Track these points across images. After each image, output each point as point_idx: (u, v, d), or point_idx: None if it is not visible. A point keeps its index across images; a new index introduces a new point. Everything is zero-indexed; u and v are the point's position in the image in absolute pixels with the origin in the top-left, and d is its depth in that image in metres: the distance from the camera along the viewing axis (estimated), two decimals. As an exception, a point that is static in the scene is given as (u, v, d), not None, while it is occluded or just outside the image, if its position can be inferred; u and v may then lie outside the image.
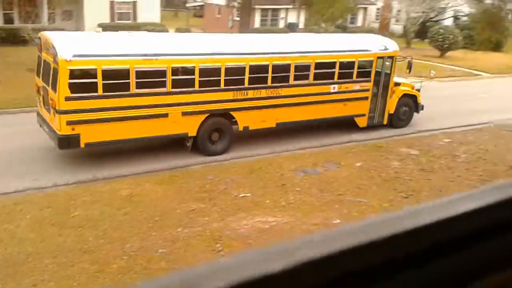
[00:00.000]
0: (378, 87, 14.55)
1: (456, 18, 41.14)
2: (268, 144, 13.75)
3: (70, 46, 10.55)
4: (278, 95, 12.90)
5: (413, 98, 15.48)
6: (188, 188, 10.56)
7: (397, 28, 42.09)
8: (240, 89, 12.29)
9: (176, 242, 8.23)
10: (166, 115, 11.47)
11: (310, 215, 9.66)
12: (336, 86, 13.76)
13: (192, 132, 12.02)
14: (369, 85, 14.36)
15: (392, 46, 14.75)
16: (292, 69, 12.87)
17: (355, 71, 13.87)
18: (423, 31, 37.03)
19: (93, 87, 10.55)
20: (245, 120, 12.71)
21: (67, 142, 10.75)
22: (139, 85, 11.00)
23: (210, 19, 41.79)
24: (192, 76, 11.59)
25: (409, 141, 14.52)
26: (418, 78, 16.91)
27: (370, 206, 10.13)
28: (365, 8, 42.45)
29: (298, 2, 32.51)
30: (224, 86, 12.01)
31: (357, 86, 14.19)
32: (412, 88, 15.60)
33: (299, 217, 9.55)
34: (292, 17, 38.66)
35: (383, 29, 42.74)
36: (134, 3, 33.36)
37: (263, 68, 12.45)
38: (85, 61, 10.45)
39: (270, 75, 12.57)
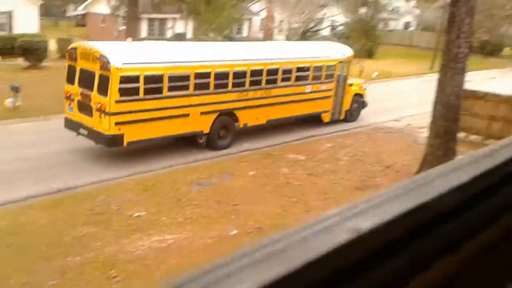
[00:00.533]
0: (338, 88, 16.97)
1: (333, 27, 44.20)
2: (162, 158, 13.62)
3: (119, 55, 12.11)
4: (269, 95, 15.00)
5: (361, 96, 18.23)
6: (77, 212, 10.05)
7: (280, 38, 44.02)
8: (243, 91, 14.30)
9: (66, 273, 7.79)
10: (188, 115, 13.25)
11: (208, 228, 9.76)
12: (310, 86, 16.18)
13: (206, 130, 13.81)
14: (333, 85, 16.85)
15: (348, 52, 17.55)
16: (280, 72, 15.07)
17: (323, 74, 16.42)
18: (303, 40, 39.25)
19: (136, 91, 12.15)
20: (244, 118, 14.74)
21: (114, 141, 12.29)
22: (170, 89, 12.68)
23: (94, 28, 40.17)
24: (208, 80, 13.41)
25: (296, 148, 15.30)
26: (359, 79, 18.93)
27: (264, 213, 10.51)
28: (250, 19, 43.81)
29: (186, 12, 32.51)
30: (231, 88, 13.98)
31: (324, 87, 16.62)
32: (361, 88, 18.23)
33: (197, 231, 9.59)
34: (180, 27, 38.55)
35: (267, 39, 44.47)
36: (10, 13, 30.90)
37: (259, 72, 14.51)
38: (132, 68, 12.03)
39: (264, 78, 14.70)
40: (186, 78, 12.98)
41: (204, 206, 10.84)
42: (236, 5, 36.70)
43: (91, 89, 12.25)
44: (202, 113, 13.50)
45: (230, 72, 13.80)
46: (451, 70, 12.15)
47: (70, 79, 13.11)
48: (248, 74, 14.21)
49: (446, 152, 12.50)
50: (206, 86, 13.43)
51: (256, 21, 45.80)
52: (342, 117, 17.55)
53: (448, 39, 12.17)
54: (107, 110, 11.86)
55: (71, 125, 13.18)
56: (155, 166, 13.09)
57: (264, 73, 14.63)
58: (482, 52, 42.00)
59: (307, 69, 15.90)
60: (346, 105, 17.51)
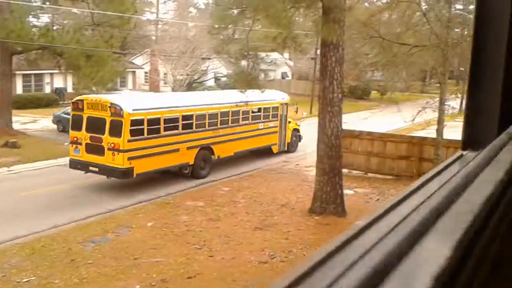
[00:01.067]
0: (281, 125, 20.73)
1: (217, 78, 45.69)
2: (48, 217, 12.71)
3: (128, 104, 14.80)
4: (234, 131, 18.19)
5: (298, 131, 22.16)
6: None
7: (167, 89, 44.24)
8: (216, 129, 17.51)
9: None
10: (178, 150, 15.97)
11: (108, 286, 9.18)
12: (262, 124, 19.83)
13: (191, 161, 16.53)
14: (277, 123, 20.63)
15: (286, 97, 21.85)
16: (241, 113, 18.40)
17: (271, 114, 20.22)
18: (189, 91, 39.93)
19: (141, 131, 14.88)
20: (218, 151, 17.64)
21: (127, 174, 14.73)
22: (165, 129, 15.51)
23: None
24: (191, 121, 16.52)
25: (193, 194, 15.26)
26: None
27: (167, 264, 10.20)
28: (134, 72, 43.53)
29: (64, 67, 31.28)
30: (208, 127, 17.18)
31: (271, 124, 20.32)
32: (296, 124, 22.21)
33: (96, 291, 8.98)
34: (58, 82, 36.90)
35: (154, 91, 44.43)
36: None
37: (227, 113, 17.85)
38: (139, 113, 14.77)
39: (230, 118, 18.02)
40: (176, 120, 16.05)
41: (101, 264, 10.21)
42: (118, 59, 36.32)
43: (102, 132, 14.78)
44: (188, 148, 16.33)
45: (206, 115, 17.12)
46: (328, 113, 13.25)
47: (75, 127, 15.61)
48: (219, 116, 17.60)
49: (333, 187, 13.41)
50: (190, 126, 16.57)
51: (141, 74, 45.65)
52: (286, 148, 21.14)
53: (323, 86, 13.31)
54: (120, 148, 14.48)
55: (78, 165, 15.58)
56: (40, 227, 12.13)
57: (230, 114, 18.03)
58: (353, 96, 46.36)
59: (259, 110, 19.59)
60: (288, 139, 21.30)
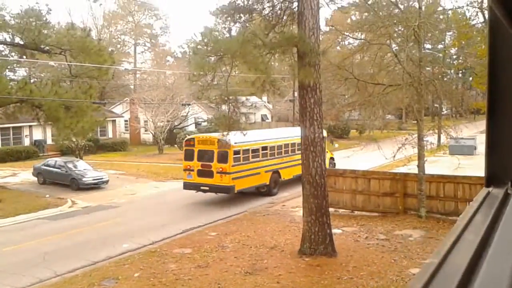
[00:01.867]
0: (324, 154, 24.20)
1: (197, 123, 45.99)
2: (32, 272, 12.34)
3: (232, 139, 17.84)
4: (292, 159, 22.12)
5: (333, 159, 27.29)
6: None
7: (147, 136, 44.26)
8: (281, 157, 22.49)
9: None
10: (259, 173, 21.03)
11: None
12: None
13: (267, 182, 21.53)
14: None
15: (325, 132, 23.78)
16: (296, 145, 21.22)
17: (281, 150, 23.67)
18: (171, 137, 39.97)
19: (238, 159, 19.95)
20: (283, 174, 22.46)
21: (231, 190, 19.78)
22: (252, 157, 20.64)
23: None
24: (266, 151, 21.64)
25: (180, 241, 15.04)
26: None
27: (157, 315, 9.92)
28: (114, 121, 43.55)
29: (43, 119, 31.14)
30: (276, 155, 22.21)
31: None
32: (332, 153, 27.30)
33: None
34: (37, 134, 36.60)
35: (135, 139, 44.36)
36: None
37: (287, 145, 22.71)
38: (237, 145, 19.46)
39: (289, 148, 22.82)
40: (257, 150, 21.11)
41: (88, 319, 9.87)
42: (97, 109, 36.36)
43: (211, 161, 19.90)
44: (265, 171, 21.33)
45: (275, 146, 22.17)
46: (311, 153, 13.43)
47: (188, 158, 20.62)
48: (282, 147, 22.50)
49: (322, 227, 13.40)
50: (266, 155, 21.57)
51: (121, 122, 45.66)
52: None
53: (303, 127, 13.55)
54: (227, 171, 19.58)
55: (191, 186, 20.40)
56: (24, 283, 11.77)
57: (289, 146, 22.67)
58: (333, 135, 47.07)
59: (279, 145, 23.19)
60: (327, 165, 22.99)
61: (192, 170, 20.22)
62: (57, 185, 24.75)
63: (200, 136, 21.32)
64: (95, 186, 24.36)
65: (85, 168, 25.66)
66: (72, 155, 32.74)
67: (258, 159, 21.06)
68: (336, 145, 29.18)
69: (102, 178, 24.86)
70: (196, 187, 19.99)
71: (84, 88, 28.79)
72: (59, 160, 26.55)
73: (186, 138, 22.30)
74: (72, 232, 16.53)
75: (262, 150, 21.41)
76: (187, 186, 20.43)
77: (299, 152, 20.77)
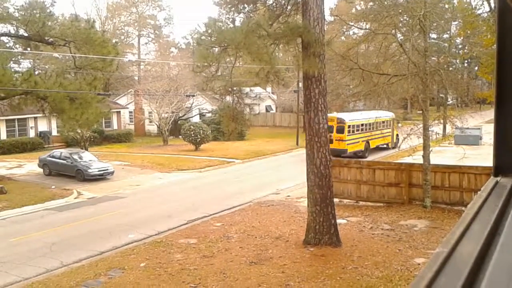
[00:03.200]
0: (392, 130, 31.83)
1: (202, 115, 45.98)
2: (38, 263, 12.47)
3: (346, 117, 28.88)
4: (376, 133, 30.48)
5: (397, 136, 29.97)
6: None
7: (152, 128, 44.32)
8: (370, 131, 29.96)
9: None
10: (359, 141, 29.11)
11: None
12: (385, 130, 31.94)
13: (362, 148, 29.40)
14: (390, 130, 32.07)
15: (393, 114, 31.28)
16: (379, 124, 30.35)
17: (387, 124, 31.74)
18: (176, 128, 39.99)
19: (349, 131, 28.45)
20: (371, 144, 30.17)
21: (346, 152, 27.36)
22: (355, 131, 29.16)
23: None
24: (364, 126, 29.90)
25: (185, 232, 15.12)
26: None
27: (163, 304, 10.01)
28: (119, 112, 43.62)
29: (48, 110, 31.24)
30: (367, 130, 29.91)
31: (387, 130, 32.11)
32: (397, 131, 30.93)
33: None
34: (42, 125, 36.75)
35: (139, 130, 44.43)
36: None
37: (373, 124, 29.87)
38: (349, 122, 28.68)
39: (375, 126, 30.26)
40: (358, 126, 29.48)
41: (95, 308, 9.98)
42: (102, 100, 36.46)
43: (331, 132, 25.52)
44: (362, 141, 29.36)
45: (367, 123, 29.95)
46: (316, 143, 13.40)
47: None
48: (371, 125, 29.91)
49: (326, 217, 13.42)
50: (363, 128, 29.78)
51: (125, 113, 45.73)
52: (393, 145, 30.64)
53: (308, 118, 13.52)
54: (344, 139, 28.01)
55: None
56: (31, 273, 11.90)
57: (375, 124, 29.71)
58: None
59: (384, 122, 31.07)
60: (394, 139, 31.09)
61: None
62: (63, 176, 24.89)
63: (332, 116, 28.49)
64: (101, 177, 24.47)
65: (91, 159, 25.76)
66: (77, 147, 32.87)
67: (358, 132, 29.40)
68: (400, 125, 33.31)
69: (107, 169, 24.97)
70: None
71: (88, 80, 28.82)
72: (65, 152, 26.66)
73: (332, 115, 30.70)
74: (78, 222, 16.65)
75: (361, 126, 29.69)
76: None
77: (381, 128, 31.41)
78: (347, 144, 28.12)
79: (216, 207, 18.07)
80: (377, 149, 31.09)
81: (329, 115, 26.03)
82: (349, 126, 28.56)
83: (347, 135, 28.28)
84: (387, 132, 32.16)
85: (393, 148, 30.01)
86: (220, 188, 21.88)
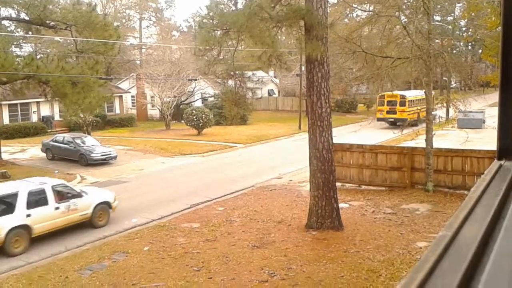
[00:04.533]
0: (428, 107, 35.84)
1: (204, 99, 45.87)
2: (43, 247, 12.60)
3: (407, 94, 35.65)
4: (417, 108, 36.03)
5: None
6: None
7: (154, 112, 44.28)
8: (420, 105, 33.09)
9: None
10: (413, 113, 35.97)
11: (108, 313, 9.06)
12: (419, 107, 35.07)
13: (415, 118, 35.43)
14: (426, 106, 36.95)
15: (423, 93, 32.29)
16: (418, 101, 35.22)
17: (422, 101, 31.94)
18: (178, 113, 39.96)
19: (409, 104, 35.87)
20: (421, 115, 32.41)
21: (406, 120, 32.46)
22: (410, 105, 36.11)
23: None
24: (413, 102, 36.44)
25: (188, 216, 15.21)
26: None
27: None
28: (121, 97, 43.55)
29: (50, 95, 31.20)
30: (415, 105, 36.40)
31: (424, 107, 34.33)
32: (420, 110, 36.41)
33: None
34: (45, 110, 36.76)
35: (141, 115, 44.41)
36: None
37: (414, 101, 36.22)
38: (408, 98, 35.88)
39: (416, 102, 36.15)
40: (415, 101, 35.73)
41: (100, 292, 10.10)
42: (104, 84, 36.41)
43: (395, 105, 35.07)
44: (415, 112, 35.73)
45: (417, 99, 35.20)
46: (318, 128, 13.36)
47: (380, 104, 35.44)
48: (421, 100, 32.25)
49: (328, 201, 13.46)
50: (416, 103, 35.62)
51: (128, 98, 45.66)
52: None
53: (311, 102, 13.44)
54: (405, 111, 34.94)
55: (381, 120, 34.72)
56: (35, 257, 12.02)
57: (422, 99, 29.79)
58: (340, 110, 46.82)
59: (421, 99, 32.49)
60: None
61: (383, 111, 35.17)
62: (66, 161, 24.98)
63: (387, 93, 32.26)
64: (104, 161, 24.55)
65: (93, 143, 25.81)
66: (80, 131, 32.92)
67: (414, 106, 35.64)
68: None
69: (110, 154, 25.03)
70: (384, 119, 34.90)
71: (90, 64, 28.71)
72: (67, 136, 26.71)
73: (380, 95, 33.68)
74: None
75: (416, 101, 35.65)
76: (379, 119, 34.26)
77: (419, 105, 35.51)
78: (408, 114, 34.88)
79: (219, 191, 18.14)
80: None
81: (392, 92, 32.09)
82: (409, 101, 35.70)
83: (407, 108, 35.50)
84: (421, 109, 41.36)
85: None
86: (222, 172, 21.92)
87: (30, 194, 12.77)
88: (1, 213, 12.27)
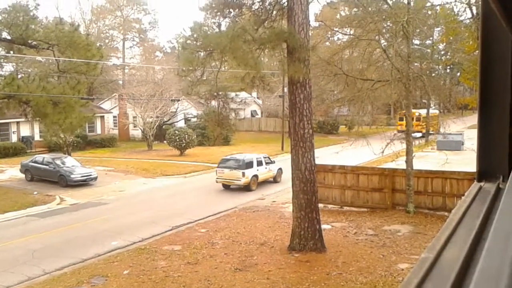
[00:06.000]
0: (439, 121, 35.95)
1: (187, 119, 45.80)
2: (20, 271, 12.26)
3: (421, 112, 38.30)
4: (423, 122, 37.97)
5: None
6: None
7: (136, 132, 43.99)
8: (419, 121, 36.52)
9: None
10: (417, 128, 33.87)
11: None
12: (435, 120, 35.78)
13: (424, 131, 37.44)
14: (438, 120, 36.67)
15: (437, 111, 38.02)
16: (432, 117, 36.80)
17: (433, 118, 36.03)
18: (160, 133, 39.77)
19: (422, 120, 38.97)
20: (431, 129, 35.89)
21: (421, 133, 37.47)
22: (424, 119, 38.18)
23: None
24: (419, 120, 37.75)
25: (170, 238, 15.00)
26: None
27: (147, 312, 9.90)
28: (102, 117, 43.21)
29: (31, 115, 30.80)
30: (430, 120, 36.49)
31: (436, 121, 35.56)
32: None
33: None
34: (25, 130, 36.23)
35: (123, 135, 44.08)
36: None
37: (432, 116, 37.25)
38: (422, 115, 38.81)
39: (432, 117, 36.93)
40: (420, 117, 38.48)
41: (78, 317, 9.82)
42: (86, 104, 36.14)
43: (412, 121, 29.87)
44: (420, 127, 36.19)
45: (423, 117, 37.91)
46: (301, 149, 13.43)
47: (400, 119, 37.15)
48: (431, 116, 36.11)
49: (311, 223, 13.44)
50: (420, 119, 37.63)
51: (109, 118, 45.33)
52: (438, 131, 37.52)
53: (293, 123, 13.54)
54: (419, 124, 36.51)
55: (401, 131, 27.18)
56: (13, 281, 11.69)
57: (432, 116, 35.58)
58: (322, 131, 47.16)
59: (435, 115, 35.72)
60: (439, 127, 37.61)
61: (402, 125, 34.32)
62: (45, 182, 24.53)
63: (403, 112, 36.95)
64: (84, 182, 24.18)
65: (73, 164, 25.45)
66: (60, 152, 32.46)
67: (423, 121, 38.40)
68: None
69: (90, 175, 24.68)
70: (403, 131, 35.87)
71: (72, 84, 28.51)
72: (47, 157, 26.29)
73: (399, 112, 35.52)
74: (60, 229, 16.41)
75: (424, 117, 38.11)
76: (400, 131, 32.57)
77: (432, 120, 37.23)
78: (421, 128, 38.97)
79: (201, 212, 17.99)
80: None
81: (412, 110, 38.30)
82: (422, 117, 40.33)
83: (421, 123, 39.94)
84: (436, 123, 48.10)
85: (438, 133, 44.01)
86: (205, 193, 21.78)
87: (257, 160, 23.14)
88: (247, 167, 22.36)
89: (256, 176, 22.64)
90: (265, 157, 24.35)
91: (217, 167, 23.27)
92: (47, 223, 17.34)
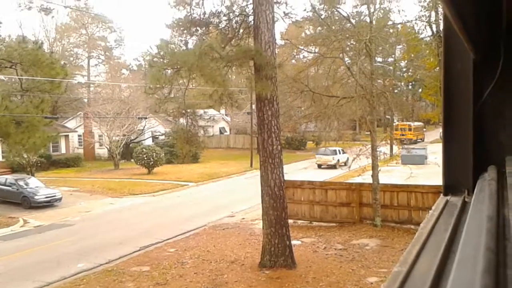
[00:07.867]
0: (423, 133, 57.84)
1: (154, 137, 45.33)
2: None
3: (412, 124, 52.24)
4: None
5: (423, 137, 57.97)
6: None
7: (102, 151, 43.18)
8: (419, 131, 54.02)
9: None
10: (415, 136, 53.02)
11: None
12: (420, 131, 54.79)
13: (416, 138, 52.56)
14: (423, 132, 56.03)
15: (421, 124, 56.20)
16: (414, 129, 52.24)
17: (419, 129, 54.19)
18: (127, 152, 39.18)
19: (412, 130, 53.02)
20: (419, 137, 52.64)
21: (412, 140, 51.50)
22: (415, 130, 53.11)
23: None
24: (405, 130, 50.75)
25: (138, 259, 14.71)
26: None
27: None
28: (67, 136, 42.26)
29: (-9, 135, 29.81)
30: (418, 130, 54.04)
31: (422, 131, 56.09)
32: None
33: None
34: (-15, 151, 34.98)
35: (89, 154, 43.16)
36: None
37: (419, 127, 54.28)
38: (413, 126, 52.27)
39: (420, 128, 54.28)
40: (416, 128, 53.16)
41: None
42: (50, 124, 35.32)
43: (405, 130, 49.65)
44: (416, 135, 52.89)
45: (417, 127, 52.94)
46: (270, 165, 13.52)
47: (395, 129, 43.17)
48: (419, 127, 54.09)
49: (281, 239, 13.48)
50: (411, 130, 51.32)
51: (74, 137, 44.38)
52: (422, 139, 52.21)
53: (262, 139, 13.64)
54: (411, 134, 51.22)
55: (398, 139, 33.94)
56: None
57: (419, 127, 52.16)
58: (290, 147, 47.55)
59: (420, 127, 52.20)
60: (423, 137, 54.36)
61: (398, 134, 40.12)
62: (8, 204, 23.70)
63: (400, 123, 45.70)
64: (48, 204, 23.50)
65: (37, 185, 24.73)
66: (23, 172, 31.47)
67: (416, 131, 49.40)
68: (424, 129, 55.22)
69: (55, 196, 24.03)
70: (399, 139, 35.72)
71: (35, 103, 27.87)
72: (10, 178, 25.47)
73: (396, 123, 44.47)
74: (24, 252, 15.86)
75: (414, 128, 49.81)
76: (396, 139, 34.99)
77: (420, 130, 53.30)
78: (412, 136, 48.09)
79: (170, 232, 17.74)
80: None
81: (403, 123, 48.69)
82: (413, 128, 49.30)
83: (412, 132, 49.11)
84: (421, 133, 54.82)
85: (422, 141, 52.01)
86: (174, 212, 21.53)
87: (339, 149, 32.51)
88: (332, 154, 32.83)
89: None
90: (340, 149, 34.04)
91: None
92: (10, 246, 16.72)
